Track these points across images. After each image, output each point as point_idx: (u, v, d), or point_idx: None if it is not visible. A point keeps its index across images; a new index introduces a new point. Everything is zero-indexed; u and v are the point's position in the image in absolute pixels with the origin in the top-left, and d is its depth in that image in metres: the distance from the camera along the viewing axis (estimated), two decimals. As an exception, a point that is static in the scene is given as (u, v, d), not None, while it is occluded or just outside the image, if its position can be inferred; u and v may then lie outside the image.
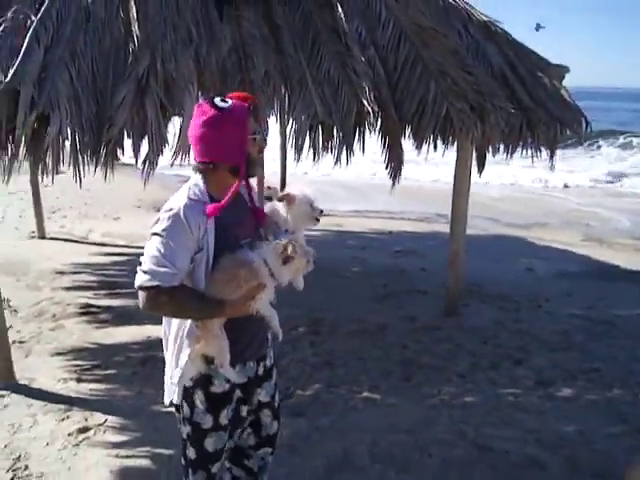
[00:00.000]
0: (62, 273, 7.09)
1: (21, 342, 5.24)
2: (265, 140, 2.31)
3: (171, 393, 2.33)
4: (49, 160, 3.40)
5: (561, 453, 3.54)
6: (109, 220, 10.15)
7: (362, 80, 4.35)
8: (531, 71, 5.18)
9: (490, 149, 5.14)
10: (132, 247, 8.19)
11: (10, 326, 5.61)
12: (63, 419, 3.97)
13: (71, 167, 3.68)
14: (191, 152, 2.31)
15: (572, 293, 6.92)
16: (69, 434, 3.79)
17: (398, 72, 4.63)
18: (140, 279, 2.09)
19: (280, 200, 2.36)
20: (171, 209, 2.13)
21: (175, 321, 2.26)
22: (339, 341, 5.28)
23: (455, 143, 5.07)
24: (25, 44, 3.42)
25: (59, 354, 5.01)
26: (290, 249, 2.20)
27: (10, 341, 5.23)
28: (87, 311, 5.94)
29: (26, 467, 3.48)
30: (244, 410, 2.46)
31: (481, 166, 6.18)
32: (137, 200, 11.47)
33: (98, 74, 3.68)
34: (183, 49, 3.92)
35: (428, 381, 4.55)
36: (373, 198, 13.64)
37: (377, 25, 4.77)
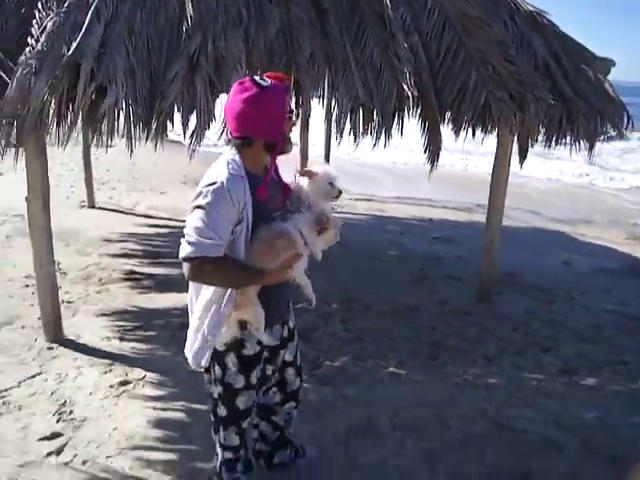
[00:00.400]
0: (109, 241, 7.45)
1: (69, 302, 5.58)
2: (297, 118, 2.45)
3: (199, 357, 2.45)
4: (104, 130, 3.66)
5: (579, 436, 3.63)
6: (155, 194, 10.51)
7: (404, 65, 4.48)
8: (575, 63, 5.20)
9: (529, 140, 5.18)
10: (176, 220, 8.51)
11: (59, 287, 6.00)
12: (106, 372, 4.29)
13: (123, 139, 3.95)
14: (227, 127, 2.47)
15: (609, 289, 6.91)
16: (111, 386, 4.10)
17: (440, 59, 4.75)
18: (186, 250, 2.20)
19: (302, 175, 2.50)
20: (214, 182, 2.23)
21: (208, 289, 2.37)
22: (370, 319, 5.46)
23: (494, 132, 5.17)
24: (87, 20, 3.66)
25: (104, 315, 5.33)
26: (324, 220, 2.39)
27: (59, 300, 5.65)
28: (131, 277, 6.26)
29: (71, 412, 3.79)
30: (269, 369, 2.67)
31: (522, 157, 6.23)
32: (182, 176, 11.82)
33: (153, 50, 3.90)
34: (233, 29, 4.12)
35: (454, 362, 4.69)
36: (416, 185, 13.68)
37: (422, 12, 4.88)
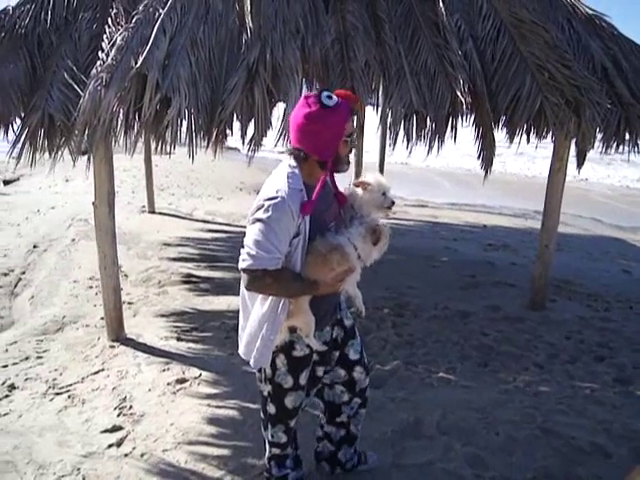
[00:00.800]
0: (168, 245, 7.75)
1: (130, 303, 5.88)
2: (355, 141, 2.46)
3: (263, 359, 2.53)
4: (168, 138, 3.87)
5: (628, 445, 3.60)
6: (213, 200, 10.83)
7: (457, 72, 4.54)
8: (635, 66, 5.14)
9: (586, 144, 5.15)
10: (232, 225, 8.80)
11: (121, 289, 6.31)
12: (164, 370, 4.50)
13: (182, 147, 4.16)
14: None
15: (669, 298, 6.75)
16: (168, 383, 4.32)
17: (495, 65, 4.78)
18: (246, 262, 2.29)
19: (356, 186, 2.57)
20: (275, 197, 2.27)
21: (266, 300, 2.44)
22: (421, 324, 5.52)
23: (549, 137, 5.16)
24: (153, 34, 3.89)
25: (162, 316, 5.59)
26: (378, 232, 2.48)
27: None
28: (189, 280, 6.52)
29: (130, 407, 4.02)
30: (320, 370, 2.75)
31: (580, 162, 6.17)
32: (239, 183, 12.14)
33: (214, 62, 4.10)
34: (290, 40, 4.28)
35: (505, 368, 4.70)
36: (475, 191, 13.59)
37: (477, 18, 4.94)
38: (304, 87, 4.11)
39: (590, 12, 5.37)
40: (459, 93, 4.43)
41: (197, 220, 9.29)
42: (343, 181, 2.71)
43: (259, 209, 2.30)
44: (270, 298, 2.44)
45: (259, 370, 2.69)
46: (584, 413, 3.99)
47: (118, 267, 5.04)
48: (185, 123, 3.94)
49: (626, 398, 4.29)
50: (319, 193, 2.37)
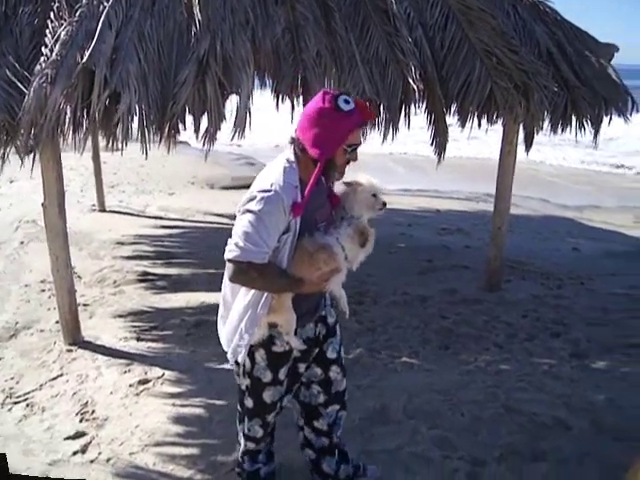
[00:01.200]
0: (122, 244, 7.57)
1: (85, 305, 5.70)
2: (356, 155, 2.38)
3: (237, 353, 2.49)
4: (119, 135, 3.77)
5: (588, 417, 3.73)
6: (164, 195, 10.63)
7: (409, 59, 4.58)
8: (578, 50, 5.28)
9: (534, 127, 5.27)
10: (186, 221, 8.65)
11: (75, 290, 6.16)
12: (125, 372, 4.41)
13: (132, 143, 4.06)
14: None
15: (617, 273, 7.00)
16: (130, 385, 4.23)
17: (444, 51, 4.84)
18: (232, 253, 2.24)
19: (347, 185, 2.53)
20: (269, 190, 2.23)
21: (248, 293, 2.41)
22: (381, 310, 5.57)
23: (500, 121, 5.26)
24: (99, 28, 3.77)
25: (120, 316, 5.46)
26: (366, 233, 2.47)
27: (74, 304, 5.79)
28: (145, 278, 6.39)
29: (93, 412, 3.92)
30: (301, 367, 2.69)
31: (529, 145, 6.31)
32: (191, 177, 11.93)
33: (163, 55, 4.01)
34: (240, 31, 4.22)
35: (465, 350, 4.80)
36: (426, 177, 13.76)
37: (425, 5, 4.97)
38: (330, 89, 4.05)
39: (533, -3, 5.48)
40: (411, 80, 4.47)
41: (150, 217, 9.09)
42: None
43: (251, 200, 2.25)
44: (252, 292, 2.41)
45: (237, 363, 2.63)
46: (544, 388, 4.12)
47: (71, 268, 4.90)
48: (136, 119, 3.84)
49: (582, 372, 4.44)
50: (311, 192, 2.32)
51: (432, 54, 4.79)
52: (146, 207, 9.68)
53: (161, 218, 8.99)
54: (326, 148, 2.29)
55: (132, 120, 3.81)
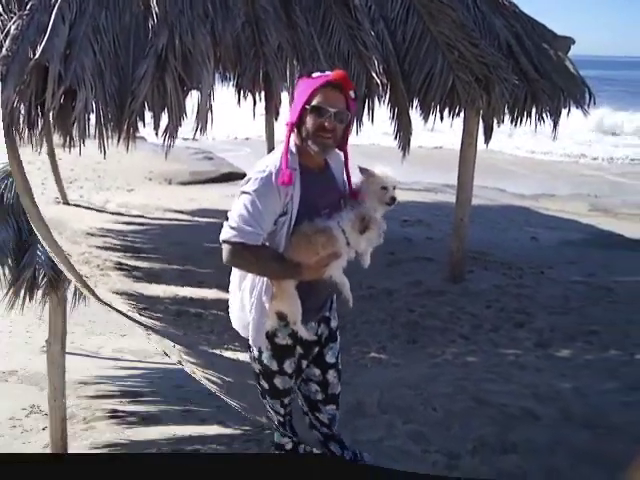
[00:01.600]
0: (92, 235, 7.45)
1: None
2: (336, 122, 2.23)
3: (258, 342, 2.45)
4: (75, 132, 3.59)
5: (555, 406, 3.75)
6: (123, 192, 10.36)
7: (371, 53, 4.51)
8: (537, 43, 5.30)
9: (495, 120, 5.26)
10: (147, 217, 8.44)
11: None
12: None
13: (89, 139, 3.88)
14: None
15: (575, 261, 7.10)
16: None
17: (406, 45, 4.79)
18: (227, 234, 2.19)
19: (362, 173, 2.40)
20: (264, 171, 2.20)
21: (249, 276, 2.35)
22: (348, 305, 5.51)
23: (461, 113, 5.24)
24: (51, 21, 3.59)
25: (116, 293, 5.51)
26: (367, 219, 2.33)
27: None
28: (121, 267, 6.35)
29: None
30: (304, 363, 2.61)
31: (488, 137, 6.33)
32: (148, 172, 11.63)
33: (120, 49, 3.85)
34: (200, 24, 4.08)
35: (432, 343, 4.79)
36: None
37: (386, -1, 4.91)
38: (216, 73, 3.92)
39: (492, -10, 5.47)
40: (374, 74, 4.40)
41: (112, 213, 8.88)
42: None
43: (248, 182, 2.21)
44: (248, 279, 2.35)
45: (249, 348, 2.58)
46: (511, 379, 4.12)
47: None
48: (93, 116, 3.67)
49: (547, 360, 4.47)
50: (311, 174, 2.28)
51: (394, 48, 4.73)
52: (106, 203, 9.43)
53: (122, 214, 8.77)
54: (293, 113, 2.26)
55: (89, 117, 3.64)
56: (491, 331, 5.02)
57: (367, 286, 5.98)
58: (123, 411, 6.47)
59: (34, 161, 11.06)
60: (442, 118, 5.11)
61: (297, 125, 2.26)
